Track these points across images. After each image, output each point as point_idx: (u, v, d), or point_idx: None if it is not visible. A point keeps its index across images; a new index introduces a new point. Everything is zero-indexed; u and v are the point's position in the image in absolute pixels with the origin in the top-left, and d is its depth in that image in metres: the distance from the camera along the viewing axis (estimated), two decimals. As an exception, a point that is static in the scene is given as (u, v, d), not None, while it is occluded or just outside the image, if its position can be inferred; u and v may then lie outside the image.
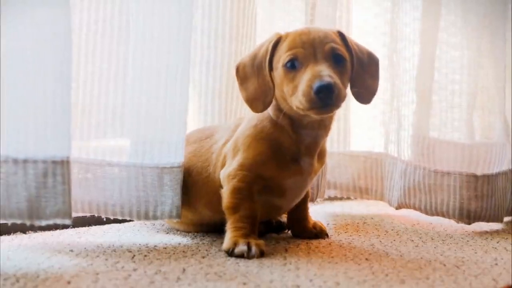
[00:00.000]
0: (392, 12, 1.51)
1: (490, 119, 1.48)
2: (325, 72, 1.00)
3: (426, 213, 1.42)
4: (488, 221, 1.39)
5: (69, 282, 0.86)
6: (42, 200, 0.99)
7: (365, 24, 1.62)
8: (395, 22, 1.49)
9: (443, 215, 1.40)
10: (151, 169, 1.14)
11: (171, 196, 1.15)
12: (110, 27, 1.17)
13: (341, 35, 1.10)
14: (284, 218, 1.29)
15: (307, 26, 1.10)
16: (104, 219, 1.26)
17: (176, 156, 1.15)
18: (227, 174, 1.10)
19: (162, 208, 1.15)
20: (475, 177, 1.38)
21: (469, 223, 1.39)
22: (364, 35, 1.60)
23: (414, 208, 1.43)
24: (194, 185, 1.17)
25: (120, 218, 1.16)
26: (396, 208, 1.47)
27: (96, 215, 1.16)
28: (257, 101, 1.09)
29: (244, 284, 0.88)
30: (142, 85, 1.14)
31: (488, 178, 1.39)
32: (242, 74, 1.12)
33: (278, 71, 1.06)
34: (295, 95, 1.02)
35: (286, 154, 1.10)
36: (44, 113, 0.99)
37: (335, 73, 1.03)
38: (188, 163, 1.18)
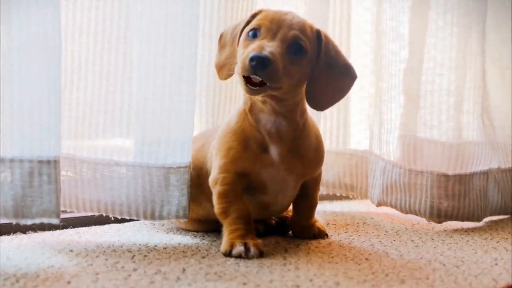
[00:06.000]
0: (377, 13, 1.50)
1: (468, 119, 1.47)
2: (269, 48, 1.00)
3: (401, 211, 1.43)
4: (462, 220, 1.40)
5: (69, 282, 0.86)
6: (28, 199, 0.99)
7: (366, 24, 1.61)
8: (382, 22, 1.48)
9: (415, 214, 1.41)
10: (157, 169, 1.14)
11: (177, 196, 1.15)
12: (117, 27, 1.17)
13: (318, 34, 1.08)
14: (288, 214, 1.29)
15: (291, 11, 1.10)
16: (105, 218, 1.26)
17: (182, 156, 1.15)
18: (211, 180, 1.11)
19: (169, 208, 1.15)
20: (446, 176, 1.38)
21: (440, 222, 1.39)
22: (364, 35, 1.60)
23: (391, 206, 1.44)
24: (198, 179, 1.18)
25: (127, 217, 1.16)
26: (377, 206, 1.47)
27: (104, 214, 1.16)
28: (223, 68, 1.11)
29: (244, 284, 0.88)
30: (148, 85, 1.14)
31: (461, 178, 1.39)
32: (222, 42, 1.14)
33: (241, 38, 1.07)
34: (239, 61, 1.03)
35: (253, 144, 1.09)
36: (32, 113, 0.99)
37: (285, 58, 1.01)
38: (194, 157, 1.19)
